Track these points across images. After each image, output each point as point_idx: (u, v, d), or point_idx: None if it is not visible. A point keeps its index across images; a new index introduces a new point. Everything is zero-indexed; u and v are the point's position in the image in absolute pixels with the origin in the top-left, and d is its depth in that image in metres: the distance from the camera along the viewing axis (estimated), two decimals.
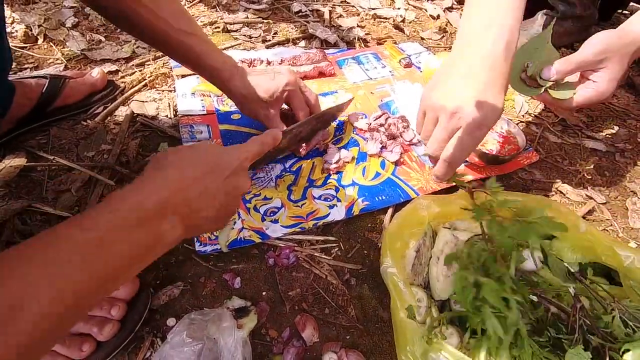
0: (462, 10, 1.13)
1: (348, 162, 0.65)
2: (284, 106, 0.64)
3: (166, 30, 0.50)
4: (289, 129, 0.57)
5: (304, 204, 0.59)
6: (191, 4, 1.07)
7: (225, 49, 0.91)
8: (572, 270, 0.41)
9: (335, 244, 0.55)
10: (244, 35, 0.98)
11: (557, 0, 0.89)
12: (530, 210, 0.39)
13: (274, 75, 0.58)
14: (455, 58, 0.48)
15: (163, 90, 0.78)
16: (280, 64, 0.82)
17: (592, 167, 0.69)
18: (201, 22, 1.00)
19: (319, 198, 0.60)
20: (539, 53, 0.53)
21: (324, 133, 0.67)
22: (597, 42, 0.51)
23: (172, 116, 0.73)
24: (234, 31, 0.99)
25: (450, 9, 1.13)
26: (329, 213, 0.58)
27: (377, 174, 0.64)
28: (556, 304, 0.36)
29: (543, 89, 0.54)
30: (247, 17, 1.04)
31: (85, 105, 0.71)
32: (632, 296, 0.41)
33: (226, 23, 1.00)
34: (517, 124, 0.76)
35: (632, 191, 0.66)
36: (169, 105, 0.75)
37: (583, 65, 0.52)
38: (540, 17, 0.93)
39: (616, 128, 0.76)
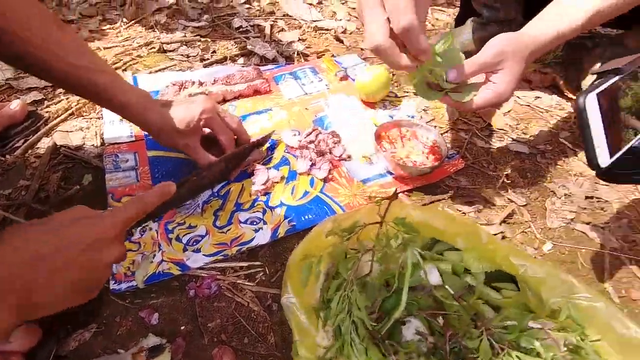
0: None
1: (277, 182, 0.65)
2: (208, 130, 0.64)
3: (66, 69, 0.48)
4: (191, 176, 0.57)
5: (229, 229, 0.59)
6: (127, 25, 1.05)
7: (159, 70, 0.90)
8: (471, 284, 0.43)
9: (260, 269, 0.55)
10: (181, 54, 0.97)
11: (481, 7, 0.92)
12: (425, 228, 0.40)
13: (188, 104, 0.58)
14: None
15: (91, 118, 0.77)
16: (213, 84, 0.81)
17: (515, 170, 0.72)
18: (137, 43, 0.99)
19: (246, 222, 0.60)
20: (447, 57, 0.54)
21: (254, 155, 0.67)
22: (496, 44, 0.53)
23: (99, 145, 0.71)
24: (171, 51, 0.98)
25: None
26: (254, 237, 0.57)
27: (306, 193, 0.64)
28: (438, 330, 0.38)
29: (444, 92, 0.55)
30: (185, 36, 1.03)
31: (3, 139, 0.68)
32: (528, 302, 0.43)
33: (163, 43, 0.99)
34: (445, 132, 0.78)
35: (551, 191, 0.69)
36: (96, 134, 0.73)
37: (483, 66, 0.54)
38: (469, 24, 0.96)
39: (539, 129, 0.80)
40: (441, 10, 1.21)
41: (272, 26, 1.09)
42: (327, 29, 1.11)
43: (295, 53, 0.99)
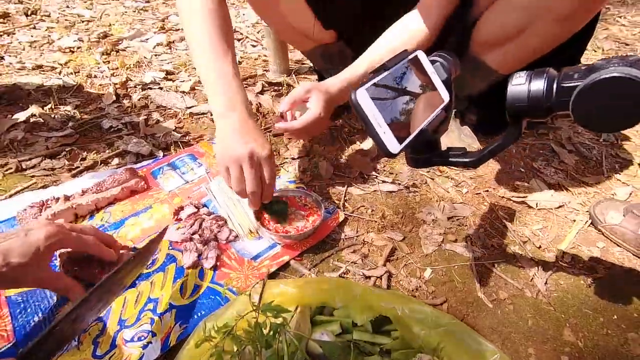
0: (272, 92, 1.26)
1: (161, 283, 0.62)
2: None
3: None
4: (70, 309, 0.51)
5: (112, 354, 0.53)
6: None
7: (15, 193, 0.82)
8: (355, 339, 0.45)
9: None
10: (44, 169, 0.91)
11: (328, 73, 1.07)
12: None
13: (25, 233, 0.53)
14: (222, 126, 0.66)
15: None
16: (82, 195, 0.77)
17: (389, 208, 0.80)
18: None
19: (132, 340, 0.55)
20: None
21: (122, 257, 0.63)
22: (303, 85, 0.74)
23: None
24: (31, 168, 0.91)
25: (261, 92, 1.25)
26: (143, 355, 0.53)
27: (196, 287, 0.62)
28: None
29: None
30: (48, 148, 0.97)
31: None
32: (410, 340, 0.46)
33: (20, 161, 0.91)
34: (326, 188, 0.85)
35: (422, 220, 0.78)
36: None
37: (296, 96, 0.73)
38: None
39: (401, 166, 0.92)
40: (306, 78, 1.36)
41: (146, 120, 1.10)
42: (203, 113, 1.15)
43: (172, 143, 1.00)
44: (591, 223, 0.78)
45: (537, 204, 0.82)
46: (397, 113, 0.45)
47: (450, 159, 0.52)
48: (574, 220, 0.79)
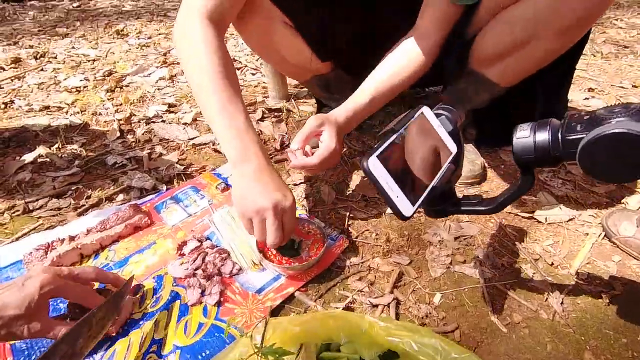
0: (272, 119, 1.28)
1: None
2: None
3: None
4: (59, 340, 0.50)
5: None
6: None
7: (22, 235, 0.83)
8: None
9: None
10: (51, 209, 0.92)
11: (327, 100, 1.08)
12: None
13: (22, 282, 0.53)
14: (239, 175, 0.63)
15: None
16: (86, 234, 0.77)
17: (394, 231, 0.79)
18: None
19: None
20: None
21: (126, 306, 0.63)
22: (314, 117, 0.74)
23: None
24: (38, 209, 0.92)
25: (261, 119, 1.27)
26: None
27: (200, 325, 0.61)
28: None
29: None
30: (55, 188, 0.98)
31: None
32: None
33: (27, 202, 0.93)
34: (328, 215, 0.84)
35: (428, 242, 0.76)
36: None
37: (309, 131, 0.73)
38: (322, 111, 1.12)
39: None
40: (305, 102, 1.38)
41: (149, 154, 1.12)
42: (205, 143, 1.17)
43: (175, 176, 1.01)
44: (605, 235, 0.75)
45: (546, 219, 0.80)
46: (408, 174, 0.45)
47: (464, 208, 0.53)
48: (587, 234, 0.76)
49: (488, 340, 0.59)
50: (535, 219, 0.80)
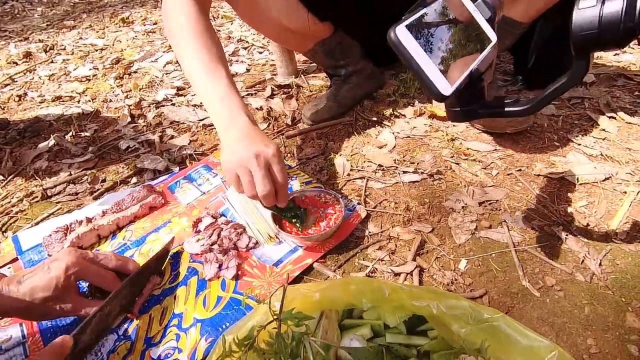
0: (282, 95, 1.24)
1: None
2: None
3: None
4: (89, 318, 0.51)
5: None
6: (6, 180, 0.99)
7: (42, 220, 0.84)
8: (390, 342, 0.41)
9: None
10: (69, 194, 0.92)
11: (335, 69, 1.04)
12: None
13: (48, 265, 0.53)
14: (225, 139, 0.64)
15: None
16: (102, 216, 0.77)
17: (414, 199, 0.75)
18: (17, 197, 0.92)
19: (159, 358, 0.53)
20: None
21: (153, 281, 0.63)
22: None
23: None
24: (56, 194, 0.93)
25: (271, 96, 1.24)
26: None
27: (219, 299, 0.60)
28: None
29: None
30: (71, 174, 0.99)
31: None
32: (450, 339, 0.42)
33: (45, 189, 0.93)
34: (344, 185, 0.81)
35: (450, 208, 0.72)
36: None
37: None
38: (332, 82, 1.08)
39: (423, 155, 0.86)
40: (315, 77, 1.33)
41: (161, 137, 1.11)
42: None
43: (187, 157, 0.99)
44: None
45: (578, 179, 0.74)
46: (441, 53, 0.39)
47: (497, 109, 0.45)
48: (625, 192, 0.71)
49: (520, 305, 0.55)
50: (566, 179, 0.75)
